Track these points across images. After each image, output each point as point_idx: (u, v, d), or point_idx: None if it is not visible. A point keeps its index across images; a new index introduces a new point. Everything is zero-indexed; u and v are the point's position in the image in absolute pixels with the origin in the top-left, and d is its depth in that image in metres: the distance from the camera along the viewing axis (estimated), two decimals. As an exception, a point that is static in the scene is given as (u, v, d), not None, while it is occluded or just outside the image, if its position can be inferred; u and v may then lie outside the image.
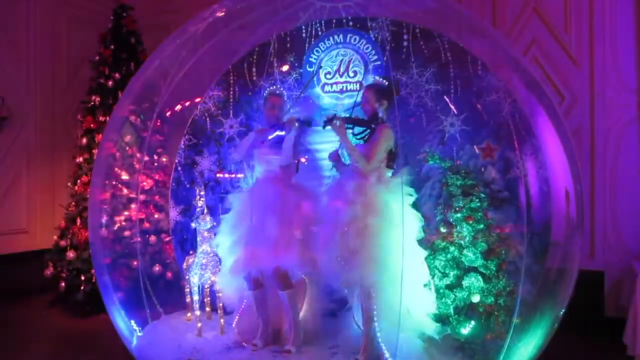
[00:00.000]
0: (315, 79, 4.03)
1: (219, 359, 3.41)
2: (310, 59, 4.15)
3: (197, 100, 4.42)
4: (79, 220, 5.04)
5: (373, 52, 3.99)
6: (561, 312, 3.15)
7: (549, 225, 3.33)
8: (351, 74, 4.05)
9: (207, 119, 4.41)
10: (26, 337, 4.30)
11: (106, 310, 3.73)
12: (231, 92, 4.37)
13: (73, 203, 5.19)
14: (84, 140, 5.19)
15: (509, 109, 3.39)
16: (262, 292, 3.59)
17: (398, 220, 3.06)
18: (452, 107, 3.63)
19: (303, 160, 3.94)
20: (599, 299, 4.34)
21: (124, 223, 4.56)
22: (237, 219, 3.59)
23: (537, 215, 3.28)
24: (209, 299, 3.93)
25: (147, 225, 4.58)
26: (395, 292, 2.95)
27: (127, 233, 4.51)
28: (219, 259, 3.78)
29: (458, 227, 3.37)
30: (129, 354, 3.59)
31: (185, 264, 3.99)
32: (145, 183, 4.62)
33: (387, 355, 3.03)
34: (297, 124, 3.53)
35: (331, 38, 4.10)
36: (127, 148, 4.55)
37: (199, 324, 3.77)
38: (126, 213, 4.57)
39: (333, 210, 3.29)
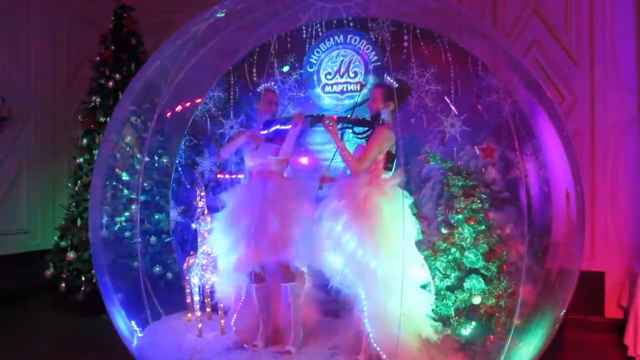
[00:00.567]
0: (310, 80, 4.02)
1: (220, 359, 3.40)
2: (311, 59, 4.15)
3: (198, 100, 4.42)
4: (79, 221, 5.04)
5: (373, 52, 4.00)
6: (562, 313, 3.15)
7: (550, 226, 3.33)
8: (352, 75, 4.06)
9: (208, 119, 4.41)
10: (26, 338, 4.30)
11: (107, 310, 3.73)
12: (232, 93, 4.37)
13: (73, 203, 5.19)
14: (85, 141, 5.19)
15: (510, 109, 3.38)
16: (264, 287, 3.58)
17: (390, 223, 3.05)
18: (453, 107, 3.63)
19: (304, 160, 3.94)
20: (599, 300, 4.34)
21: (124, 224, 4.56)
22: (234, 217, 3.55)
23: (537, 216, 3.28)
24: (209, 299, 3.93)
25: (147, 225, 4.58)
26: (387, 294, 2.96)
27: (127, 234, 4.51)
28: (219, 259, 3.77)
29: (459, 229, 3.37)
30: (130, 354, 3.58)
31: (185, 264, 3.99)
32: (145, 184, 4.61)
33: (384, 356, 3.03)
34: (304, 119, 3.47)
35: (332, 39, 4.11)
36: (128, 149, 4.55)
37: (200, 325, 3.77)
38: (127, 214, 4.57)
39: (327, 210, 3.28)
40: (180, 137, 4.51)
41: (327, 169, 3.34)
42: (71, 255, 4.89)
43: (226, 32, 4.01)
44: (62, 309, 5.00)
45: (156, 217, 4.65)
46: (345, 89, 4.07)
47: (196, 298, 3.84)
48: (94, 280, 4.57)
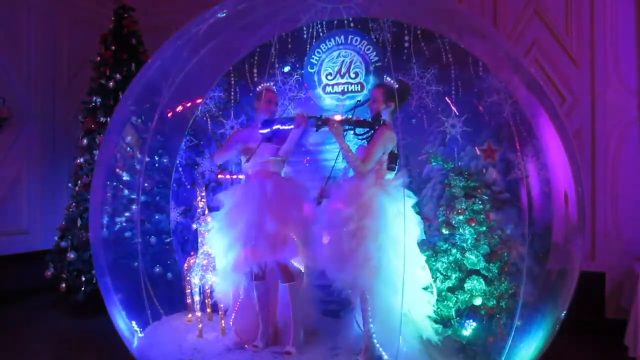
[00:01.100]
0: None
1: (220, 360, 3.41)
2: (312, 60, 4.15)
3: (198, 101, 4.41)
4: (79, 221, 5.04)
5: (374, 53, 4.00)
6: (562, 314, 3.15)
7: (550, 227, 3.33)
8: (352, 75, 4.05)
9: (208, 119, 4.41)
10: (27, 338, 4.30)
11: (107, 311, 3.73)
12: (232, 93, 4.37)
13: (74, 204, 5.19)
14: (85, 141, 5.20)
15: (510, 110, 3.38)
16: (264, 285, 3.57)
17: (395, 223, 3.06)
18: (453, 108, 3.63)
19: (304, 161, 3.94)
20: (599, 301, 4.35)
21: (124, 224, 4.55)
22: (232, 216, 3.54)
23: (538, 216, 3.28)
24: (209, 300, 3.93)
25: (147, 226, 4.58)
26: (391, 294, 2.96)
27: (127, 234, 4.51)
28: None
29: (460, 229, 3.37)
30: (130, 354, 3.58)
31: (186, 265, 3.98)
32: (146, 184, 4.61)
33: (386, 357, 3.03)
34: (307, 120, 3.45)
35: (332, 39, 4.11)
36: (128, 149, 4.54)
37: (200, 325, 3.77)
38: (127, 214, 4.57)
39: (329, 211, 3.28)
40: (181, 138, 4.50)
41: (326, 184, 3.32)
42: (71, 255, 4.90)
43: (227, 33, 4.01)
44: (62, 309, 5.00)
45: (157, 217, 4.65)
46: (346, 90, 4.07)
47: (196, 298, 3.84)
48: (94, 281, 4.57)
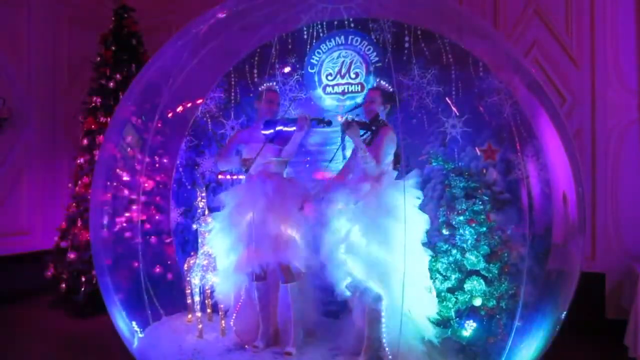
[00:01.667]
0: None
1: (220, 360, 3.41)
2: (312, 60, 4.15)
3: (199, 101, 4.41)
4: (79, 222, 5.04)
5: (374, 53, 4.00)
6: (562, 314, 3.15)
7: (550, 227, 3.33)
8: (352, 76, 4.05)
9: (209, 120, 4.41)
10: (27, 338, 4.30)
11: (107, 311, 3.73)
12: (232, 94, 4.37)
13: (74, 204, 5.19)
14: (85, 141, 5.20)
15: (510, 110, 3.38)
16: (265, 285, 3.57)
17: (408, 222, 3.06)
18: (454, 108, 3.63)
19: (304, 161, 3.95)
20: (599, 301, 4.35)
21: (125, 224, 4.55)
22: (234, 217, 3.54)
23: (538, 217, 3.28)
24: (209, 300, 3.93)
25: (148, 226, 4.58)
26: (401, 294, 2.96)
27: (128, 234, 4.51)
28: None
29: (461, 230, 3.37)
30: (130, 355, 3.58)
31: (186, 265, 3.98)
32: (146, 184, 4.61)
33: (390, 357, 3.02)
34: (310, 123, 3.46)
35: (332, 39, 4.10)
36: (129, 149, 4.54)
37: (200, 326, 3.77)
38: (127, 214, 4.57)
39: (337, 212, 3.29)
40: (181, 138, 4.50)
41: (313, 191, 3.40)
42: (71, 255, 4.89)
43: (227, 33, 4.01)
44: (62, 309, 5.00)
45: (157, 217, 4.65)
46: (346, 90, 4.06)
47: (197, 299, 3.84)
48: (94, 281, 4.57)
